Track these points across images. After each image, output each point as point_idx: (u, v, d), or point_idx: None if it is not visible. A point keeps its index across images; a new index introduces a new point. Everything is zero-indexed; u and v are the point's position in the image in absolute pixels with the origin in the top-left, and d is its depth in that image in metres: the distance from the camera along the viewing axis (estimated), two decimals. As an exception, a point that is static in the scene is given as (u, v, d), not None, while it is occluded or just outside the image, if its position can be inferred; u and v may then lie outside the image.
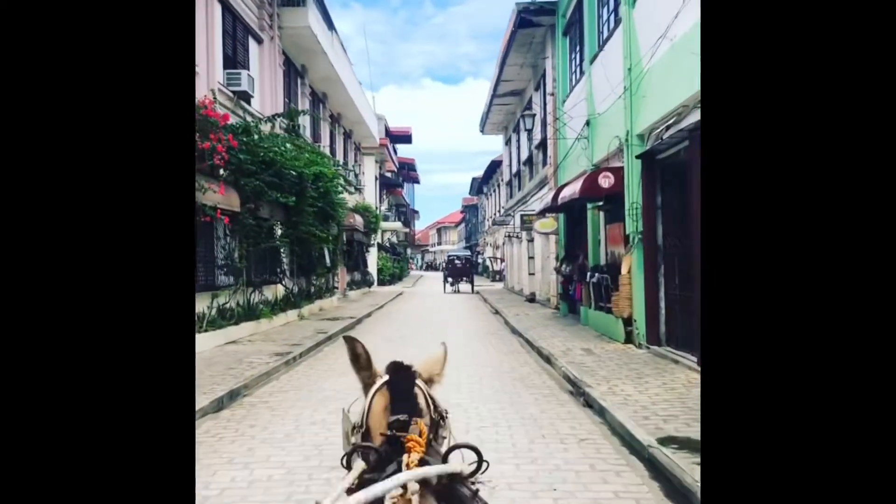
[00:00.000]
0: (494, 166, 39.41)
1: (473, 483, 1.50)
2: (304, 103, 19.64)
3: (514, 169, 27.82)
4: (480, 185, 51.16)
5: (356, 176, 25.65)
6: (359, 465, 1.48)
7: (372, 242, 31.78)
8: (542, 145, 20.78)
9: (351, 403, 1.79)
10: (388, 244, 41.88)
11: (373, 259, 35.76)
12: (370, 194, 35.83)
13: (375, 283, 35.03)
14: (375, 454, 1.47)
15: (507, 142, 30.48)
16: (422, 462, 1.40)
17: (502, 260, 36.71)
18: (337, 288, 23.36)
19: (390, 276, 38.16)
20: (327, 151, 22.10)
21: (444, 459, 1.49)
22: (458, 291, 31.12)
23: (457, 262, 31.56)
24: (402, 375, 1.66)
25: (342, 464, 1.56)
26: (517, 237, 23.83)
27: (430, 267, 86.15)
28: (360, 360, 1.74)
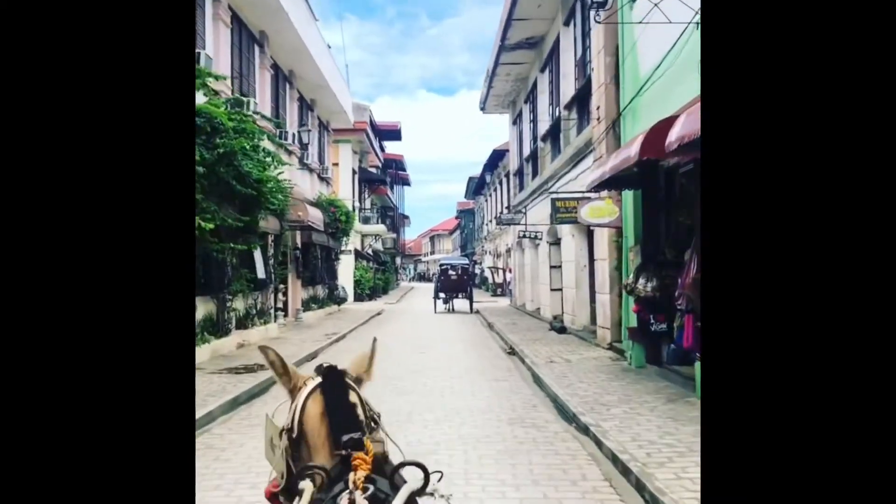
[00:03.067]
0: (497, 158, 32.73)
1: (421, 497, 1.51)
2: (217, 33, 12.91)
3: (529, 150, 21.15)
4: (479, 185, 44.52)
5: (303, 146, 18.68)
6: (308, 487, 1.44)
7: (344, 248, 24.90)
8: (580, 98, 14.11)
9: (275, 409, 1.75)
10: (369, 252, 35.01)
11: (347, 269, 28.95)
12: (346, 189, 29.10)
13: (351, 298, 28.22)
14: (325, 476, 1.44)
15: (516, 120, 23.85)
16: (368, 479, 1.39)
17: (509, 270, 29.87)
18: (282, 310, 16.53)
19: (370, 289, 31.26)
20: (267, 115, 15.35)
21: (391, 476, 1.49)
22: (453, 310, 24.30)
23: (451, 272, 24.49)
24: (334, 379, 1.63)
25: (280, 478, 1.56)
26: (534, 238, 17.06)
27: (423, 278, 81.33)
28: (276, 367, 1.70)
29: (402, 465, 1.52)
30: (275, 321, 15.47)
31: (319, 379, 1.62)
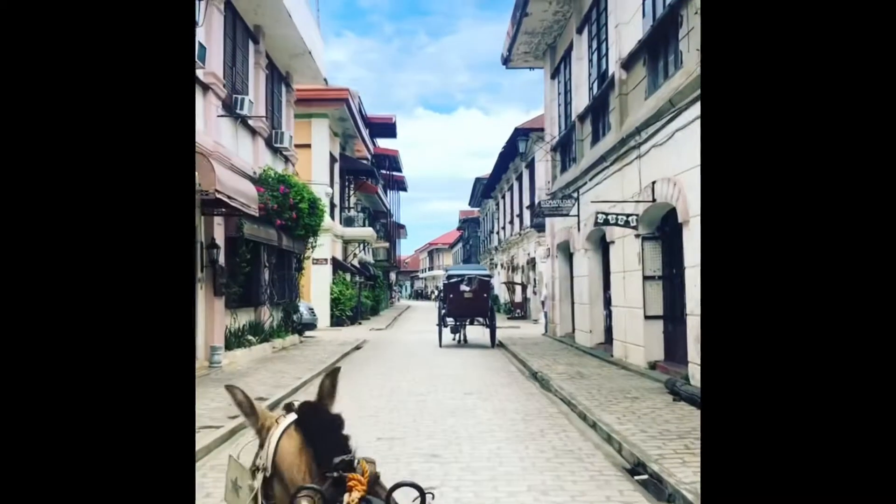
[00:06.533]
0: (517, 139, 25.38)
1: None
2: None
3: (585, 104, 13.92)
4: (488, 187, 37.35)
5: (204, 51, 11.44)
6: None
7: (310, 253, 17.38)
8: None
9: (240, 449, 1.70)
10: (354, 263, 27.62)
11: (322, 283, 21.66)
12: (321, 178, 21.88)
13: (326, 322, 20.91)
14: (321, 498, 1.39)
15: (558, 69, 16.71)
16: (362, 501, 1.39)
17: (530, 291, 22.33)
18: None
19: (352, 310, 23.86)
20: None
21: (387, 498, 1.43)
22: (465, 342, 16.96)
23: (463, 288, 16.65)
24: (312, 413, 1.56)
25: None
26: (626, 225, 9.63)
27: (420, 295, 73.77)
28: (244, 407, 1.62)
29: (398, 485, 1.45)
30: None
31: (293, 416, 1.55)
